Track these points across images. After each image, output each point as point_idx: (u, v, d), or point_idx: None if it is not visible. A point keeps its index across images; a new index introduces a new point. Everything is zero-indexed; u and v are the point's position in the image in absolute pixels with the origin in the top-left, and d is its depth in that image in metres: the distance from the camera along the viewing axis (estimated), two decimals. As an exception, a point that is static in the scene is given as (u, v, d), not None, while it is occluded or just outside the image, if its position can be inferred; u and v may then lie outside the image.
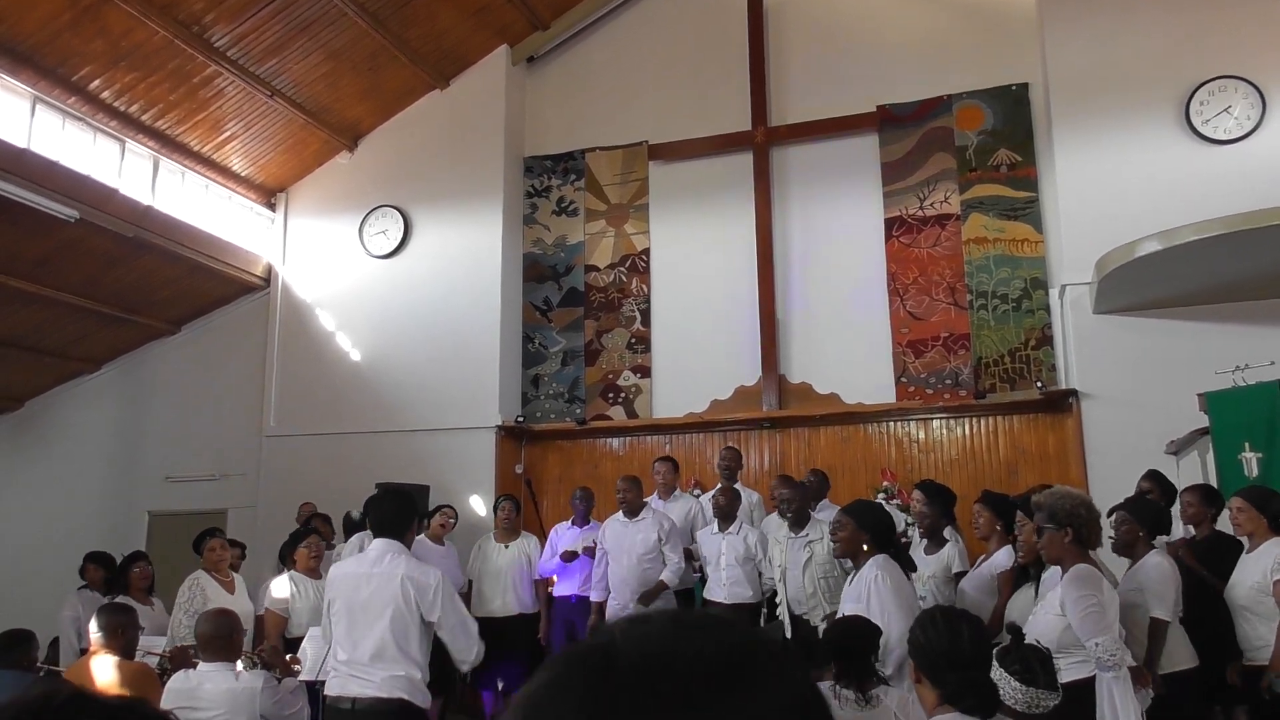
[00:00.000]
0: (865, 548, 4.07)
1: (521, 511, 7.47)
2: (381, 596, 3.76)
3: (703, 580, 6.42)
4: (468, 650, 3.85)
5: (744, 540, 6.12)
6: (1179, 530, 5.41)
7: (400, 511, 4.06)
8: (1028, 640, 2.84)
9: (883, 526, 4.20)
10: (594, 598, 6.45)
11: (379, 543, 3.94)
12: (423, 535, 6.93)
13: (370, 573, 3.84)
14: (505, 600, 6.88)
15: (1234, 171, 7.11)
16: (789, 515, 5.87)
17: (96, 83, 7.67)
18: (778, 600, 5.87)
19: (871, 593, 3.78)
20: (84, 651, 5.96)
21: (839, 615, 4.08)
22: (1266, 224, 5.75)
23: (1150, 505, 4.76)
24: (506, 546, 7.02)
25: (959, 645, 2.44)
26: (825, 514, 6.09)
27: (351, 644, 3.76)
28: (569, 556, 6.77)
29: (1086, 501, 3.79)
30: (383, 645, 3.71)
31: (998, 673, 2.61)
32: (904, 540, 5.45)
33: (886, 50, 8.54)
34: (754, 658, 0.62)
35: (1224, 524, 4.89)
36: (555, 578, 6.93)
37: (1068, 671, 3.42)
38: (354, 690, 3.70)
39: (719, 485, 6.86)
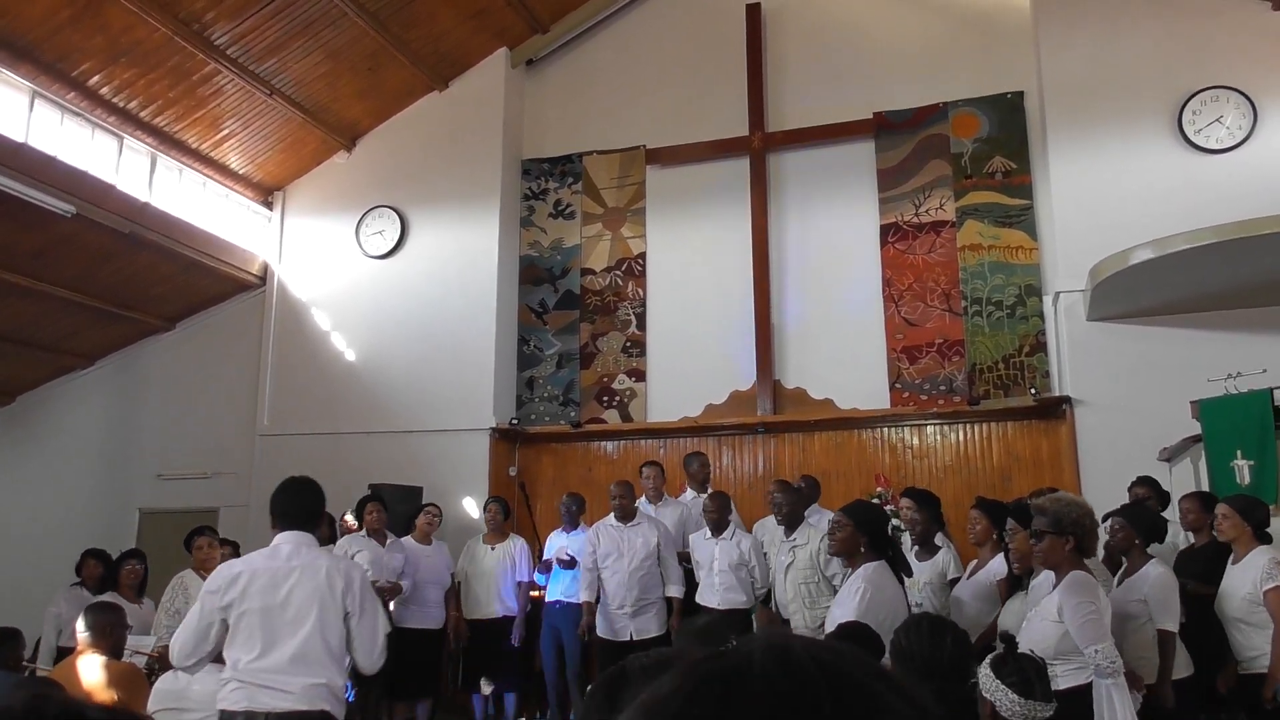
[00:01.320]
0: (862, 550, 4.05)
1: (511, 514, 7.47)
2: (305, 592, 3.39)
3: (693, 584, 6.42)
4: (371, 655, 3.50)
5: (737, 546, 6.12)
6: (1178, 538, 5.43)
7: (314, 501, 3.66)
8: (1022, 649, 2.84)
9: (882, 529, 4.19)
10: (584, 598, 6.43)
11: (290, 535, 3.53)
12: (408, 536, 6.94)
13: (289, 567, 3.43)
14: (493, 602, 6.89)
15: (1226, 181, 7.16)
16: (780, 518, 5.88)
17: (96, 78, 7.66)
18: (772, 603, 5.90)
19: (854, 609, 3.78)
20: (61, 649, 5.89)
21: (829, 618, 4.06)
22: (1258, 233, 5.79)
23: (1146, 512, 4.78)
24: (493, 548, 7.02)
25: (939, 654, 2.45)
26: (814, 519, 6.14)
27: (266, 645, 3.33)
28: (545, 568, 6.84)
29: (1090, 511, 3.81)
30: (307, 648, 3.33)
31: (994, 683, 2.61)
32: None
33: (883, 57, 8.57)
34: (890, 692, 0.62)
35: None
36: (544, 584, 6.92)
37: (1064, 678, 3.43)
38: (265, 703, 3.27)
39: (689, 490, 6.92)
